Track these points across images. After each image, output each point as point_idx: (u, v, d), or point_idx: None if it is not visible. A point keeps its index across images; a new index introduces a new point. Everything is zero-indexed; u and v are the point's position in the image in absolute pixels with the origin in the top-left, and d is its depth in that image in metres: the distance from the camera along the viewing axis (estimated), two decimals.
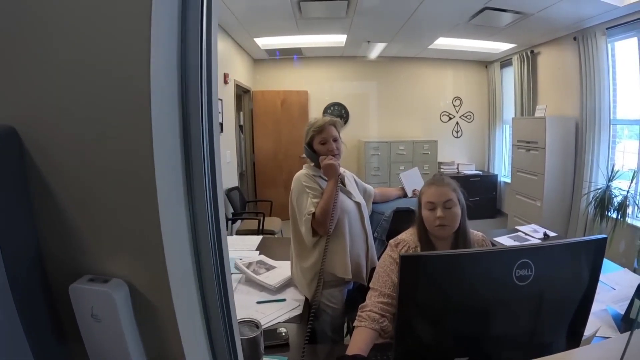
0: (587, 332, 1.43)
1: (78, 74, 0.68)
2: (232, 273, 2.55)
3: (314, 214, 2.23)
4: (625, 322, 1.93)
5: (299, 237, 2.36)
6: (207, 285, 0.79)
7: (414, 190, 2.87)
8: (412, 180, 2.98)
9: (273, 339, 1.86)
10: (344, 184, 2.46)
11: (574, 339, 1.37)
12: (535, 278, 1.18)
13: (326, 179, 2.34)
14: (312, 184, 2.34)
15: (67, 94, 0.69)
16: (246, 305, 2.25)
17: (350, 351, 1.64)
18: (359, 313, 1.82)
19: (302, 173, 2.41)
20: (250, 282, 2.50)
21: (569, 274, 1.29)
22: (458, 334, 1.29)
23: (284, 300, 2.32)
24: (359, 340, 1.70)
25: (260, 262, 2.67)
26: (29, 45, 0.68)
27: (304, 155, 2.45)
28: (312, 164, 2.45)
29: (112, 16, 0.65)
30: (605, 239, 1.31)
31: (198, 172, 0.73)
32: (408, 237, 2.02)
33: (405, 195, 2.89)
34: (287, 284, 2.49)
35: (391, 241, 2.03)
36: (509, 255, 1.23)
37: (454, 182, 1.98)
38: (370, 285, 1.93)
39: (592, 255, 1.31)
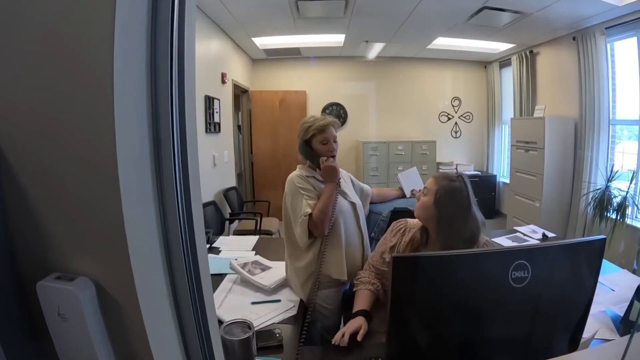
0: (586, 334, 1.41)
1: (40, 68, 0.66)
2: (227, 273, 2.55)
3: (310, 215, 2.20)
4: (624, 324, 1.90)
5: (292, 238, 2.34)
6: (179, 285, 0.76)
7: (412, 190, 2.84)
8: (411, 180, 2.95)
9: (267, 340, 1.83)
10: (339, 185, 2.41)
11: (573, 341, 1.35)
12: (532, 280, 1.15)
13: (320, 179, 2.32)
14: (306, 185, 2.31)
15: (29, 89, 0.67)
16: (241, 305, 2.22)
17: (354, 310, 1.96)
18: (354, 281, 2.16)
19: (295, 174, 2.37)
20: (245, 282, 2.48)
21: (567, 275, 1.27)
22: (452, 338, 1.26)
23: (278, 301, 2.29)
24: (360, 297, 2.02)
25: (255, 263, 2.64)
26: None
27: (300, 154, 2.41)
28: (307, 163, 2.41)
29: (73, 5, 0.63)
30: (604, 239, 1.29)
31: (168, 167, 0.71)
32: (411, 220, 2.12)
33: (403, 196, 2.86)
34: (283, 285, 2.46)
35: (394, 222, 2.17)
36: (505, 256, 1.21)
37: (456, 186, 1.90)
38: (368, 259, 2.18)
39: (591, 257, 1.29)
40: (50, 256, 0.73)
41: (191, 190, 0.75)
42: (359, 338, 1.76)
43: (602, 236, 1.29)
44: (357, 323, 1.84)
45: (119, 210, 0.65)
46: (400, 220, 2.13)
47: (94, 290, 0.71)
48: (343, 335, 1.76)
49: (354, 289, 2.10)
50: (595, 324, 1.87)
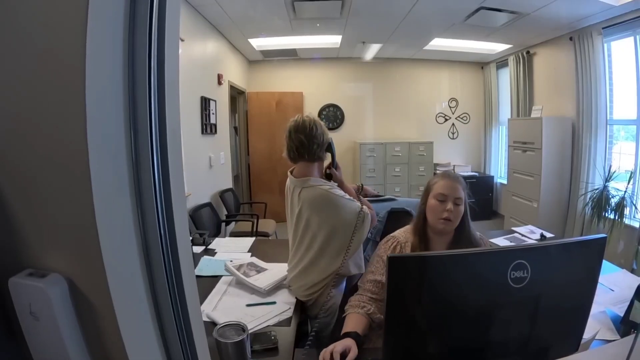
0: (586, 335, 1.39)
1: (11, 62, 0.64)
2: (222, 275, 2.53)
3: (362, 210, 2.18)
4: (624, 325, 1.89)
5: (331, 248, 2.24)
6: (158, 283, 0.73)
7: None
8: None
9: (262, 343, 1.81)
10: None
11: (573, 342, 1.33)
12: (532, 280, 1.13)
13: (341, 183, 2.36)
14: (339, 190, 2.27)
15: (2, 85, 0.65)
16: (236, 308, 2.21)
17: (343, 331, 1.75)
18: (345, 307, 1.93)
19: (323, 188, 2.26)
20: (240, 284, 2.46)
21: (566, 275, 1.25)
22: (450, 339, 1.24)
23: (274, 303, 2.27)
24: (350, 321, 1.81)
25: (251, 264, 2.62)
26: None
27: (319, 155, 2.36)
28: (314, 174, 2.35)
29: None
30: (604, 238, 1.27)
31: (145, 159, 0.68)
32: (399, 234, 2.02)
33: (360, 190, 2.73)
34: (278, 287, 2.44)
35: (383, 238, 2.05)
36: (503, 256, 1.18)
37: (464, 181, 1.97)
38: (358, 283, 2.00)
39: (592, 256, 1.27)
40: (23, 252, 0.70)
41: (172, 183, 0.71)
42: None
43: (602, 235, 1.27)
44: (346, 343, 1.66)
45: (90, 205, 0.63)
46: (388, 237, 2.03)
47: (66, 288, 0.69)
48: (332, 355, 1.59)
49: (343, 314, 1.90)
50: (596, 325, 1.85)
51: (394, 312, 1.21)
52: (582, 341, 1.36)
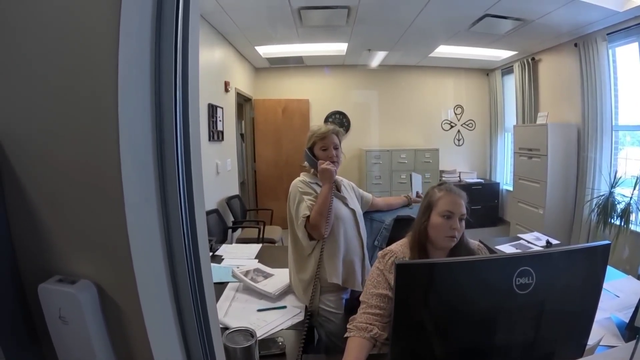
0: (591, 340, 1.40)
1: (46, 75, 0.67)
2: (229, 282, 2.54)
3: (308, 217, 2.25)
4: (629, 331, 1.89)
5: (298, 245, 2.37)
6: (182, 289, 0.75)
7: (417, 192, 2.86)
8: (417, 183, 2.98)
9: (269, 349, 1.83)
10: (339, 190, 2.48)
11: (578, 348, 1.34)
12: (537, 286, 1.14)
13: (322, 185, 2.35)
14: (308, 190, 2.37)
15: (31, 92, 0.68)
16: (247, 313, 2.23)
17: None
18: (347, 325, 1.82)
19: (299, 180, 2.44)
20: (248, 290, 2.48)
21: (571, 281, 1.26)
22: (456, 345, 1.25)
23: (284, 307, 2.30)
24: (352, 348, 1.70)
25: (257, 270, 2.64)
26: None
27: (305, 162, 2.46)
28: (311, 171, 2.48)
29: (79, 16, 0.64)
30: (608, 245, 1.28)
31: (171, 170, 0.70)
32: (396, 248, 1.97)
33: (409, 204, 2.87)
34: (287, 291, 2.47)
35: (380, 252, 1.99)
36: (509, 263, 1.19)
37: (465, 194, 1.95)
38: (360, 298, 1.91)
39: (596, 262, 1.28)
40: (52, 259, 0.73)
41: (194, 193, 0.74)
42: None
43: (606, 241, 1.28)
44: None
45: (122, 213, 0.65)
46: (385, 251, 1.97)
47: (96, 293, 0.71)
48: None
49: (345, 334, 1.79)
50: (600, 331, 1.86)
51: (401, 318, 1.23)
52: (587, 347, 1.38)
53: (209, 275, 0.80)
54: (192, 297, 0.75)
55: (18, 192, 0.70)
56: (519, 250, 3.15)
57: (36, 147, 0.69)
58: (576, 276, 1.27)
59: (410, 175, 3.08)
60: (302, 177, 2.47)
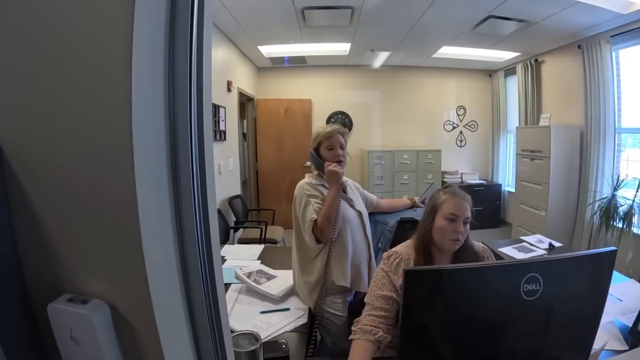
0: (595, 345, 1.39)
1: (56, 83, 0.65)
2: (232, 283, 2.54)
3: (315, 220, 2.23)
4: (632, 335, 1.88)
5: (303, 247, 2.36)
6: (197, 309, 0.73)
7: (424, 199, 2.85)
8: (429, 193, 2.99)
9: (272, 352, 1.82)
10: (345, 192, 2.46)
11: (582, 353, 1.34)
12: (544, 292, 1.14)
13: (328, 187, 2.34)
14: (315, 192, 2.35)
15: (42, 100, 0.66)
16: (250, 315, 2.22)
17: None
18: (352, 327, 1.81)
19: (305, 182, 2.41)
20: (251, 292, 2.47)
21: (577, 287, 1.26)
22: (463, 350, 1.25)
23: (287, 309, 2.30)
24: (356, 351, 1.70)
25: (260, 272, 2.64)
26: (5, 60, 0.65)
27: (308, 162, 2.46)
28: (316, 172, 2.47)
29: (90, 19, 0.62)
30: (614, 251, 1.28)
31: (186, 188, 0.69)
32: (401, 250, 1.96)
33: (412, 206, 2.86)
34: (290, 293, 2.46)
35: (385, 254, 1.99)
36: (517, 269, 1.19)
37: (469, 197, 1.94)
38: (365, 299, 1.90)
39: (602, 268, 1.28)
40: (61, 277, 0.70)
41: (209, 215, 0.72)
42: None
43: (612, 247, 1.28)
44: None
45: (137, 229, 0.63)
46: (390, 253, 1.97)
47: (109, 313, 0.69)
48: None
49: (350, 337, 1.79)
50: (604, 335, 1.85)
51: (409, 324, 1.23)
52: (592, 352, 1.37)
53: (223, 294, 0.78)
54: (207, 317, 0.73)
55: (25, 207, 0.69)
56: (522, 253, 3.15)
57: (44, 162, 0.67)
58: (582, 282, 1.27)
59: (430, 184, 3.10)
60: (308, 178, 2.45)
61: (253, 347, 1.49)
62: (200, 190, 0.70)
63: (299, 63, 8.01)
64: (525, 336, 1.25)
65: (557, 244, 3.35)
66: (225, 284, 2.58)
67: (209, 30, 0.71)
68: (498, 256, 2.92)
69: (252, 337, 1.56)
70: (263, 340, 1.77)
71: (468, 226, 1.88)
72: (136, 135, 0.62)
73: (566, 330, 1.29)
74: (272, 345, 1.87)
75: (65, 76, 0.64)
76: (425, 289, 1.23)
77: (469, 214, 1.88)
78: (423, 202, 2.83)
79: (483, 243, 2.08)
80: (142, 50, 0.61)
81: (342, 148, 2.42)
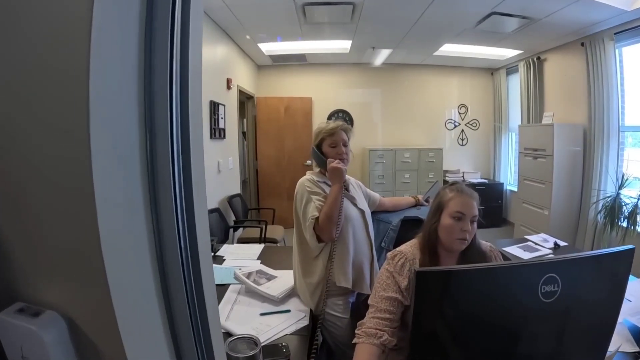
0: (610, 347, 1.34)
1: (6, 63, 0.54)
2: (230, 284, 2.50)
3: (317, 218, 2.18)
4: None
5: (304, 247, 2.31)
6: (180, 324, 0.61)
7: (428, 198, 2.81)
8: (434, 192, 2.94)
9: (272, 356, 1.76)
10: (347, 190, 2.41)
11: (598, 356, 1.28)
12: (562, 294, 1.09)
13: (330, 184, 2.28)
14: (317, 189, 2.30)
15: None
16: (249, 317, 2.17)
17: None
18: (356, 331, 1.75)
19: (306, 178, 2.36)
20: (251, 292, 2.42)
21: (596, 287, 1.21)
22: (475, 353, 1.19)
23: (288, 311, 2.24)
24: (361, 355, 1.64)
25: (260, 272, 2.58)
26: None
27: (310, 160, 2.42)
28: (317, 170, 2.43)
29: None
30: (632, 249, 1.23)
31: (165, 177, 0.58)
32: (406, 249, 1.91)
33: (416, 205, 2.81)
34: (290, 294, 2.41)
35: (389, 253, 1.93)
36: (535, 269, 1.13)
37: (477, 195, 1.88)
38: (369, 301, 1.84)
39: (620, 267, 1.24)
40: (12, 284, 0.60)
41: (195, 198, 0.62)
42: None
43: (630, 246, 1.23)
44: None
45: (93, 226, 0.51)
46: (395, 252, 1.91)
47: (65, 329, 0.57)
48: None
49: (354, 340, 1.73)
50: (616, 337, 1.80)
51: (420, 326, 1.17)
52: (607, 354, 1.32)
53: (214, 301, 0.66)
54: (192, 329, 0.62)
55: None
56: (527, 253, 3.12)
57: None
58: (600, 282, 1.22)
59: (434, 182, 3.06)
60: (310, 175, 2.39)
61: (252, 352, 1.44)
62: (183, 184, 0.61)
63: (299, 61, 7.98)
64: (541, 341, 1.19)
65: (562, 243, 3.32)
66: (224, 285, 2.54)
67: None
68: (505, 256, 2.87)
69: (251, 341, 1.50)
70: (263, 344, 1.73)
71: (475, 225, 1.83)
72: (94, 126, 0.51)
73: (583, 333, 1.24)
74: (272, 348, 1.81)
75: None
76: (437, 291, 1.18)
77: (476, 212, 1.82)
78: (427, 201, 2.80)
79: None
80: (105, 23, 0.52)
81: (345, 145, 2.37)
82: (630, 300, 2.21)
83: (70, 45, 0.52)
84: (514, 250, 3.20)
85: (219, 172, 5.61)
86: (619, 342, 1.75)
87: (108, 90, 0.53)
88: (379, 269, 2.13)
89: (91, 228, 0.51)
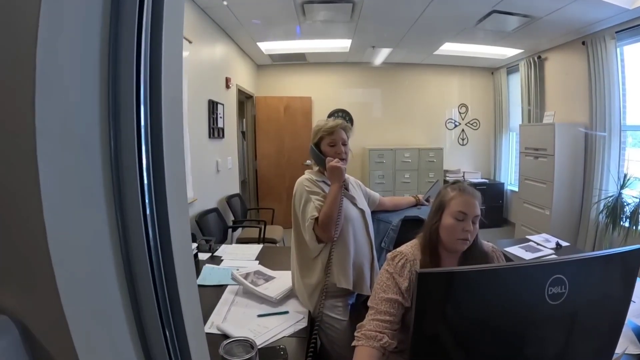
0: (617, 350, 1.31)
1: None
2: (228, 284, 2.47)
3: (316, 218, 2.15)
4: None
5: (303, 247, 2.28)
6: (150, 331, 0.54)
7: (429, 197, 2.77)
8: (435, 191, 2.91)
9: (271, 358, 1.72)
10: (347, 189, 2.37)
11: (606, 358, 1.24)
12: (569, 296, 1.04)
13: (330, 184, 2.25)
14: (316, 189, 2.26)
15: None
16: (247, 318, 2.13)
17: None
18: (355, 333, 1.71)
19: (305, 178, 2.33)
20: (248, 293, 2.38)
21: (604, 289, 1.17)
22: (480, 358, 1.15)
23: (286, 312, 2.20)
24: (361, 359, 1.61)
25: (258, 273, 2.54)
26: None
27: (309, 160, 2.39)
28: (316, 169, 2.39)
29: None
30: None
31: (129, 151, 0.50)
32: (406, 250, 1.87)
33: (417, 204, 2.77)
34: (289, 295, 2.37)
35: (389, 254, 1.89)
36: (541, 270, 1.09)
37: (479, 194, 1.85)
38: (368, 303, 1.80)
39: (628, 268, 1.20)
40: None
41: (167, 185, 0.54)
42: None
43: (638, 246, 1.19)
44: None
45: (39, 220, 0.44)
46: (395, 253, 1.88)
47: (18, 337, 0.49)
48: None
49: (353, 343, 1.69)
50: (621, 339, 1.76)
51: (422, 329, 1.13)
52: (614, 356, 1.29)
53: (195, 300, 0.58)
54: (165, 338, 0.54)
55: None
56: (529, 253, 3.09)
57: None
58: (608, 283, 1.19)
59: (435, 182, 3.02)
60: (308, 174, 2.36)
61: (248, 356, 1.39)
62: (152, 175, 0.53)
63: (299, 60, 7.96)
64: (547, 344, 1.15)
65: (564, 243, 3.29)
66: (222, 285, 2.52)
67: None
68: (507, 257, 2.83)
69: (248, 344, 1.46)
70: (260, 346, 1.69)
71: (477, 225, 1.79)
72: (40, 118, 0.42)
73: (590, 336, 1.20)
74: (269, 351, 1.78)
75: None
76: (440, 293, 1.14)
77: (479, 212, 1.78)
78: (427, 200, 2.76)
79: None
80: None
81: (345, 144, 2.34)
82: (634, 302, 2.17)
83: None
84: (516, 250, 3.17)
85: (217, 172, 5.58)
86: (624, 344, 1.71)
87: (62, 59, 0.46)
88: (379, 269, 2.10)
89: (37, 223, 0.44)
